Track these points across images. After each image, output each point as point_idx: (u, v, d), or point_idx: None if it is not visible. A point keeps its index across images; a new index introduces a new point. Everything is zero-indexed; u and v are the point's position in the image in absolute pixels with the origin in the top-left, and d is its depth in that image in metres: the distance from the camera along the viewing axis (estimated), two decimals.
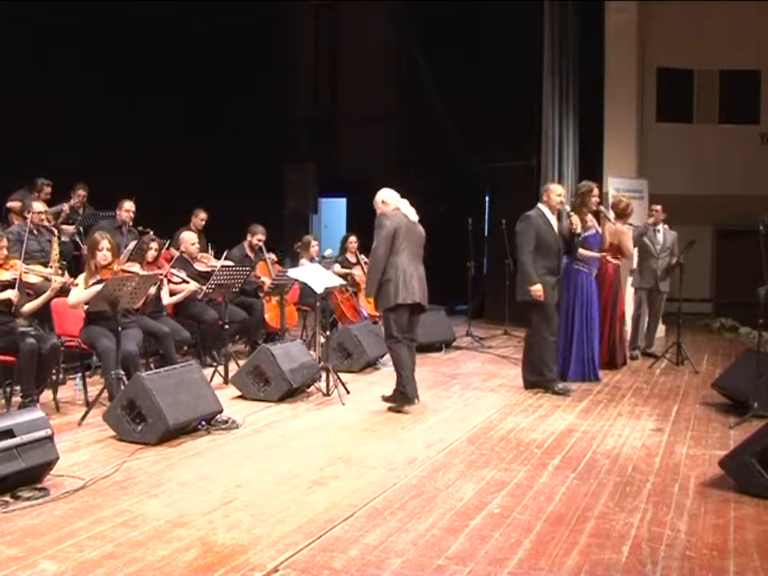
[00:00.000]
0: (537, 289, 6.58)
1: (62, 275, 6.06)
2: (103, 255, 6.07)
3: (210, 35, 11.28)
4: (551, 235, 6.75)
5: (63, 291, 6.00)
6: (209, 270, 7.57)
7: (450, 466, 4.69)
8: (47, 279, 5.89)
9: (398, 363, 6.09)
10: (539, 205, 6.85)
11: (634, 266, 9.19)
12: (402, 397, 6.08)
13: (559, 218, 7.01)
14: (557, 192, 6.82)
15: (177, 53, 10.72)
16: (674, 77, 11.55)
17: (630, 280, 9.26)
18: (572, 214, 6.92)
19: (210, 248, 8.48)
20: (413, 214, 6.19)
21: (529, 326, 6.90)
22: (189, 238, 7.92)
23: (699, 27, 11.05)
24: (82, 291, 5.92)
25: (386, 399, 6.24)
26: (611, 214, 7.95)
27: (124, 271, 6.07)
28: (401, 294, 5.93)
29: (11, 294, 5.59)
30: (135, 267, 6.41)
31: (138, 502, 4.00)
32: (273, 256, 8.86)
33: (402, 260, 5.99)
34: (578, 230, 6.90)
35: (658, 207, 8.87)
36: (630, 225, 8.59)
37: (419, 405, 6.24)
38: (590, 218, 7.43)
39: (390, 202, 6.17)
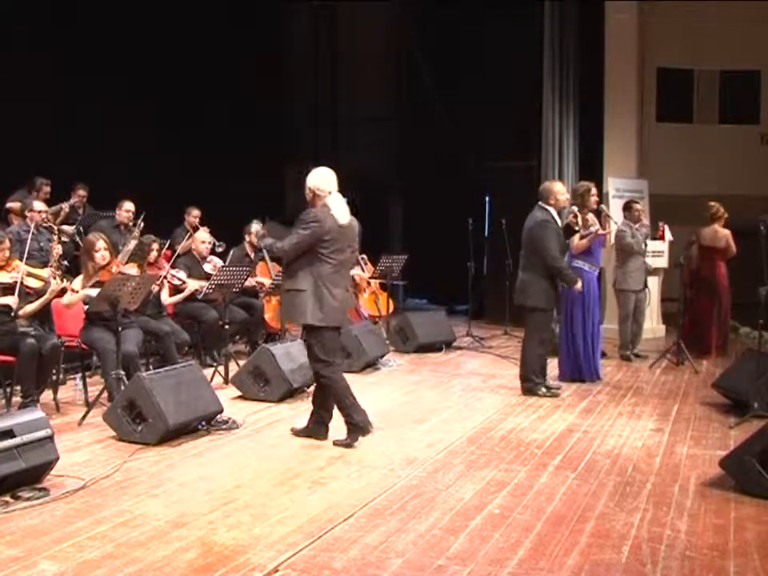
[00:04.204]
0: (580, 286, 6.73)
1: (61, 279, 6.03)
2: (101, 256, 6.09)
3: (211, 35, 11.26)
4: (561, 239, 6.73)
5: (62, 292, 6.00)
6: (215, 272, 7.54)
7: (450, 466, 4.69)
8: (46, 282, 5.89)
9: (335, 391, 5.11)
10: (547, 207, 6.64)
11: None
12: (354, 428, 5.11)
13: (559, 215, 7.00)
14: (562, 192, 6.74)
15: (177, 53, 10.71)
16: (673, 77, 11.52)
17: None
18: (577, 213, 6.94)
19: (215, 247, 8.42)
20: (344, 216, 4.98)
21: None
22: (201, 238, 7.87)
23: (699, 27, 11.02)
24: (78, 293, 5.93)
25: (301, 433, 5.29)
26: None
27: (121, 274, 6.07)
28: (316, 315, 4.92)
29: (11, 301, 5.59)
30: (133, 270, 6.40)
31: (138, 502, 4.01)
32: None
33: (323, 271, 4.92)
34: (580, 230, 6.92)
35: (639, 206, 8.80)
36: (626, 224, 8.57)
37: (419, 405, 6.24)
38: (591, 217, 7.41)
39: (322, 194, 4.95)
